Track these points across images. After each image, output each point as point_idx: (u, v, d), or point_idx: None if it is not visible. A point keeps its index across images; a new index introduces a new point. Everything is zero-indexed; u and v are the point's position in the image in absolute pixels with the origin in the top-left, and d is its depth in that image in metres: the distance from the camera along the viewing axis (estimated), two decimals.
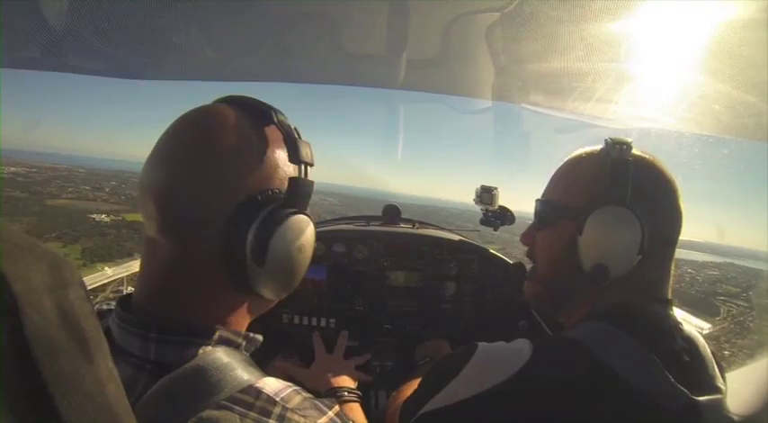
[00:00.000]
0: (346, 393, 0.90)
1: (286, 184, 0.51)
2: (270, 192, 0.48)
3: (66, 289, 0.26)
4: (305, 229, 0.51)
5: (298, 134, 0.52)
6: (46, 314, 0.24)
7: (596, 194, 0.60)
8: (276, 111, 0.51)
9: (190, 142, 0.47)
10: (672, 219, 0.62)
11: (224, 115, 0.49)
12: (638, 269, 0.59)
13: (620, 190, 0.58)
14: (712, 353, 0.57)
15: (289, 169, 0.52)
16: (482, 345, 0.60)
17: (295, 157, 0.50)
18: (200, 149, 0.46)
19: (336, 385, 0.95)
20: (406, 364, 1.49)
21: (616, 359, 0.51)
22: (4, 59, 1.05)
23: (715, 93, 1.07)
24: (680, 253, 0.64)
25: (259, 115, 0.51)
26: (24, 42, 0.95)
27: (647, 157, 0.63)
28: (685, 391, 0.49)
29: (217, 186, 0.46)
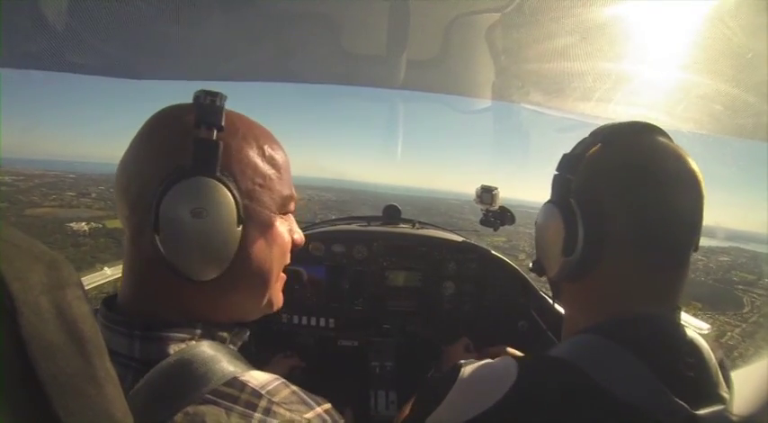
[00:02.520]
0: None
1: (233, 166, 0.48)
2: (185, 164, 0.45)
3: (63, 289, 0.25)
4: (202, 191, 0.44)
5: (215, 101, 0.47)
6: (43, 315, 0.24)
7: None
8: (211, 92, 0.47)
9: (137, 137, 0.48)
10: (648, 217, 0.54)
11: (170, 108, 0.50)
12: (638, 278, 0.55)
13: (558, 187, 0.58)
14: (719, 360, 0.54)
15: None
16: (465, 369, 0.58)
17: (199, 120, 0.45)
18: (142, 139, 0.48)
19: None
20: (406, 364, 1.49)
21: (609, 377, 0.49)
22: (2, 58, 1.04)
23: (715, 93, 1.07)
24: None
25: (197, 96, 0.48)
26: (21, 41, 0.95)
27: (622, 149, 0.57)
28: (684, 405, 0.47)
29: (148, 167, 0.46)
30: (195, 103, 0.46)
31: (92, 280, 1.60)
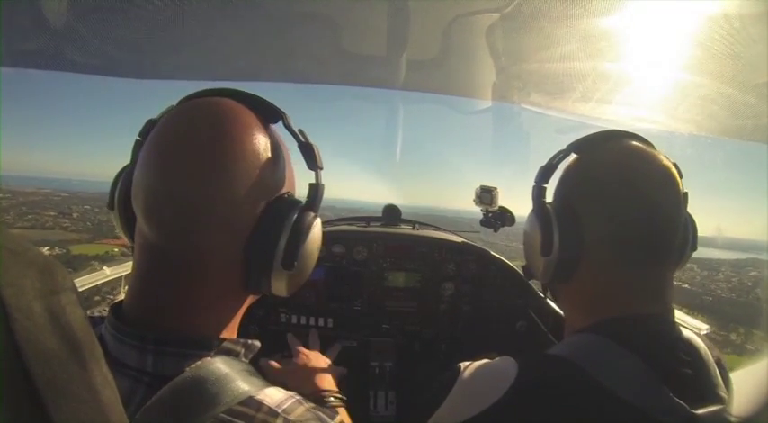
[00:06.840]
0: (332, 398, 0.85)
1: (295, 187, 0.53)
2: (286, 195, 0.50)
3: (57, 294, 0.25)
4: (320, 232, 0.53)
5: (307, 138, 0.52)
6: (37, 320, 0.23)
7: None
8: (283, 112, 0.51)
9: (208, 143, 0.44)
10: (622, 217, 0.56)
11: (239, 114, 0.47)
12: (624, 277, 0.56)
13: (535, 196, 0.64)
14: (716, 359, 0.55)
15: (295, 172, 0.54)
16: (465, 370, 0.59)
17: (312, 163, 0.51)
18: (220, 151, 0.44)
19: (320, 388, 0.89)
20: (405, 365, 1.49)
21: (608, 374, 0.49)
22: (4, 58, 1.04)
23: (715, 94, 1.07)
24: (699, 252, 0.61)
25: (269, 116, 0.51)
26: (21, 39, 0.95)
27: (594, 158, 0.61)
28: (684, 405, 0.47)
29: (239, 190, 0.45)
30: (301, 141, 0.52)
31: (91, 279, 1.61)
